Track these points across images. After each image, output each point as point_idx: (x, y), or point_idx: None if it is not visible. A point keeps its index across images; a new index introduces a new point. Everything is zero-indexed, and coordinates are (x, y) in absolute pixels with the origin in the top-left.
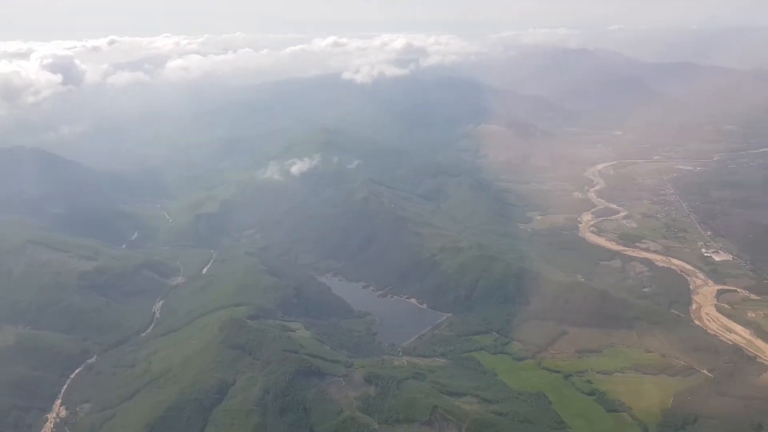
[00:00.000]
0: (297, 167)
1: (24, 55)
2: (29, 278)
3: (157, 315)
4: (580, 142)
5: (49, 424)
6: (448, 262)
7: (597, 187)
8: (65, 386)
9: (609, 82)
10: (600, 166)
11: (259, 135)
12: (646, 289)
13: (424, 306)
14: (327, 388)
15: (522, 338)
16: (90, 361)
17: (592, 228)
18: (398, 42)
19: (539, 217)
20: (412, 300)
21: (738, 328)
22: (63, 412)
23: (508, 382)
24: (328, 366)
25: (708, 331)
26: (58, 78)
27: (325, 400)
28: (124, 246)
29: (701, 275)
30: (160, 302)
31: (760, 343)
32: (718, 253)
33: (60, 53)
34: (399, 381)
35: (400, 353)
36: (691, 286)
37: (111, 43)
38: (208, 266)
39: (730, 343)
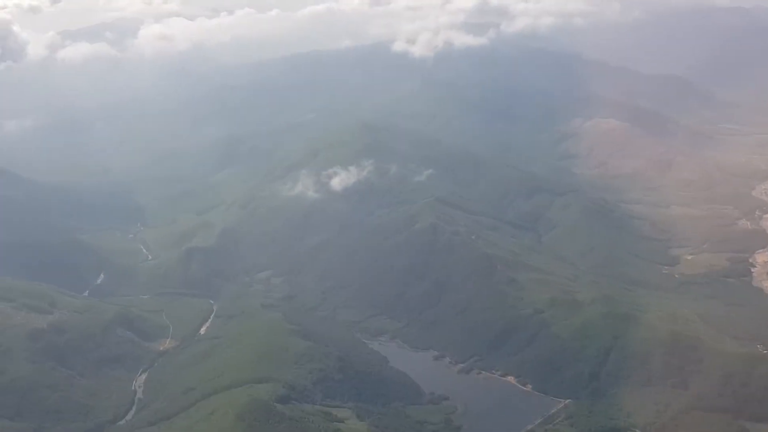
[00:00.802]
0: (337, 181)
1: None
2: None
3: (140, 394)
4: (742, 145)
5: None
6: (561, 323)
7: None
8: None
9: None
10: None
11: (271, 133)
12: None
13: (528, 387)
14: None
15: None
16: None
17: None
18: None
19: (689, 257)
20: (510, 378)
21: None
22: None
23: None
24: None
25: None
26: None
27: None
28: (86, 293)
29: None
30: (143, 375)
31: None
32: None
33: None
34: None
35: None
36: None
37: (55, 2)
38: (207, 324)
39: None
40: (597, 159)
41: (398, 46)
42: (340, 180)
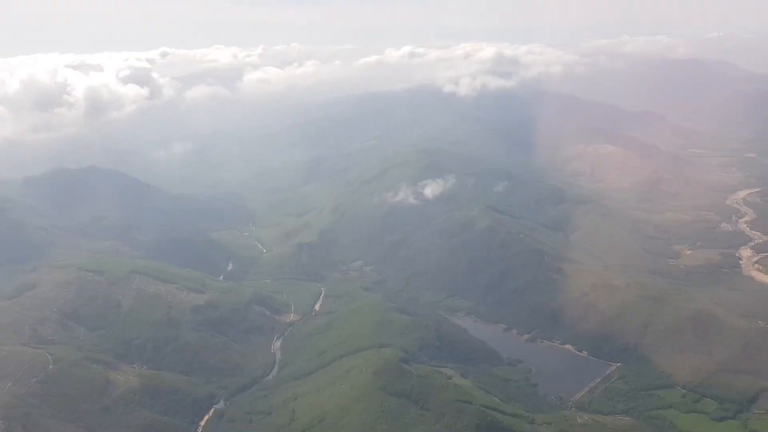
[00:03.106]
0: (409, 192)
1: (80, 68)
2: (140, 312)
3: (279, 356)
4: (710, 166)
5: None
6: (604, 303)
7: (746, 218)
8: None
9: (730, 97)
10: (742, 194)
11: (343, 155)
12: None
13: (584, 353)
14: None
15: (715, 395)
16: (218, 406)
17: (757, 266)
18: (486, 52)
19: (689, 252)
20: (568, 346)
21: None
22: None
23: None
24: (509, 421)
25: None
26: (145, 92)
27: None
28: (221, 278)
29: None
30: (278, 341)
31: None
32: None
33: (137, 65)
34: None
35: (573, 408)
36: None
37: (163, 55)
38: (319, 302)
39: None
40: (598, 176)
41: (447, 88)
42: (409, 191)
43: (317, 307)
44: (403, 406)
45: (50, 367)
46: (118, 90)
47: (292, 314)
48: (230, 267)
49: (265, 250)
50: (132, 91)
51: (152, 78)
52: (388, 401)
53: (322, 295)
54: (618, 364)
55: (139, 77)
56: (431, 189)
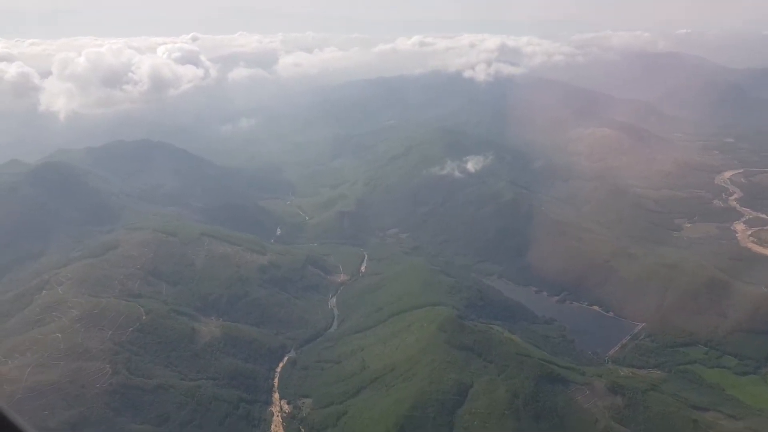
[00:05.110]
0: (441, 167)
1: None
2: (212, 271)
3: (336, 312)
4: (693, 149)
5: (277, 419)
6: (625, 269)
7: (735, 196)
8: (275, 380)
9: (705, 87)
10: (727, 174)
11: (366, 134)
12: None
13: (611, 314)
14: (574, 396)
15: (734, 352)
16: (290, 355)
17: (752, 238)
18: (490, 42)
19: (688, 225)
20: (595, 307)
21: None
22: (286, 407)
23: (741, 398)
24: (565, 373)
25: None
26: (200, 72)
27: (577, 409)
28: (272, 241)
29: None
30: (333, 299)
31: None
32: None
33: (187, 47)
34: (642, 392)
35: (609, 362)
36: None
37: (194, 39)
38: (364, 264)
39: None
40: (597, 156)
41: (467, 73)
42: (438, 166)
43: (363, 268)
44: (467, 358)
45: (144, 317)
46: (177, 70)
47: (341, 275)
48: (279, 232)
49: (308, 217)
50: (189, 71)
51: (201, 60)
52: (453, 353)
53: (366, 258)
54: (643, 324)
55: (190, 59)
56: (458, 165)
